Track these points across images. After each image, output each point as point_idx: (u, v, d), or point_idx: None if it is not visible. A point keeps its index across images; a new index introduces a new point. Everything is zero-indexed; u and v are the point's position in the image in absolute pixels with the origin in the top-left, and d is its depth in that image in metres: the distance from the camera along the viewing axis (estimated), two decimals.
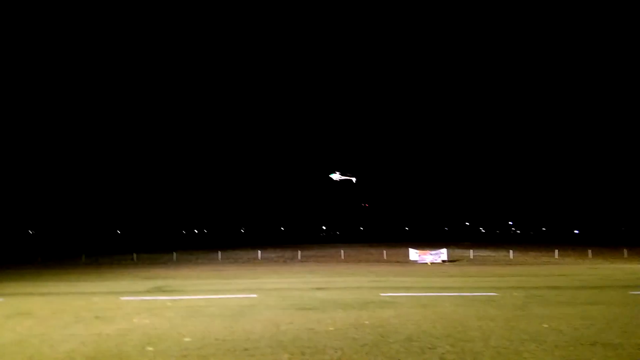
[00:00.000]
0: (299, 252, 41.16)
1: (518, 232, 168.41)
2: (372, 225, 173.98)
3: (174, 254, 39.82)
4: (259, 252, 42.42)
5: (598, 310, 10.71)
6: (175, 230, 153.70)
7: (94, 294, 15.03)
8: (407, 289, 15.91)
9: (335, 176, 32.14)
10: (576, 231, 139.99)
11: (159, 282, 19.16)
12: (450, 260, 33.37)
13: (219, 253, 40.99)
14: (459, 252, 43.27)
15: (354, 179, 32.01)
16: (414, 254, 33.76)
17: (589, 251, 39.79)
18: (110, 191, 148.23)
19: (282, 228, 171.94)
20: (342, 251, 43.72)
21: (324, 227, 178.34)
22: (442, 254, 33.09)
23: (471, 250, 43.53)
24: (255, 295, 14.13)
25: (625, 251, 39.19)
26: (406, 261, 33.48)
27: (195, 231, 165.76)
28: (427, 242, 75.51)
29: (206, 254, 43.51)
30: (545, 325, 8.99)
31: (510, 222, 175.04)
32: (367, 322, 9.43)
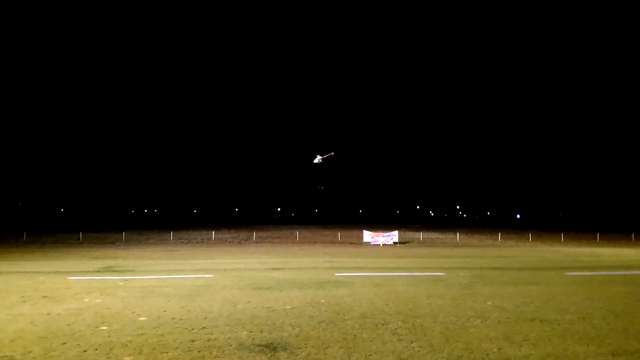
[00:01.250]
0: (254, 233, 41.07)
1: (465, 216, 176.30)
2: (327, 208, 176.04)
3: (123, 233, 38.57)
4: (213, 232, 41.93)
5: (537, 290, 11.54)
6: (124, 209, 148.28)
7: (39, 274, 14.39)
8: (361, 269, 16.39)
9: (317, 159, 32.07)
10: (518, 216, 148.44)
11: (109, 262, 18.60)
12: (402, 242, 34.53)
13: (171, 233, 40.15)
14: (409, 235, 44.78)
15: (332, 153, 32.14)
16: (367, 235, 34.62)
17: (530, 235, 42.39)
18: (53, 166, 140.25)
19: (236, 209, 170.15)
20: (297, 232, 44.07)
21: (279, 209, 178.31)
22: (394, 236, 34.18)
23: (421, 233, 45.22)
24: (210, 276, 14.07)
25: (562, 235, 42.09)
26: (360, 243, 34.30)
27: (145, 211, 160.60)
28: (380, 224, 77.49)
29: (157, 234, 42.45)
30: (489, 303, 9.61)
31: (457, 207, 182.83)
32: (323, 301, 9.69)
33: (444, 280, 13.32)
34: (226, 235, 42.82)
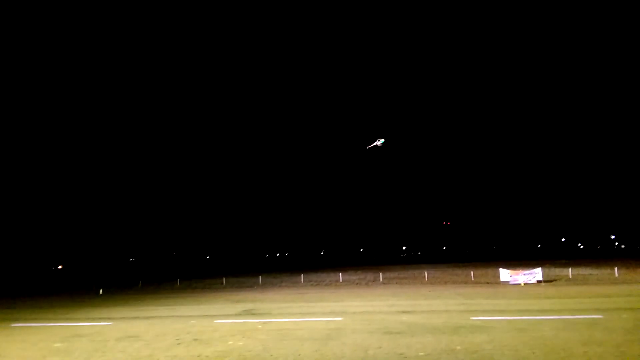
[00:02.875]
0: (381, 274, 40.60)
1: (623, 246, 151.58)
2: (455, 245, 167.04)
3: (260, 277, 41.26)
4: (340, 274, 42.52)
5: None
6: (259, 254, 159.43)
7: (191, 317, 16.07)
8: (500, 312, 15.06)
9: (378, 142, 31.88)
10: None
11: (248, 305, 19.98)
12: (546, 280, 30.93)
13: (302, 276, 41.74)
14: (555, 271, 39.97)
15: (380, 142, 31.73)
16: (505, 274, 31.79)
17: None
18: (199, 219, 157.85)
19: (361, 249, 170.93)
20: (425, 272, 42.40)
21: (404, 247, 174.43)
22: (537, 273, 30.78)
23: (569, 269, 40.04)
24: (340, 319, 14.22)
25: None
26: (496, 282, 31.60)
27: (277, 254, 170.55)
28: (519, 260, 70.76)
29: (289, 277, 44.51)
30: None
31: (613, 236, 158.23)
32: (459, 348, 9.10)
33: (601, 324, 11.55)
34: (353, 276, 43.06)
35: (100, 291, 34.06)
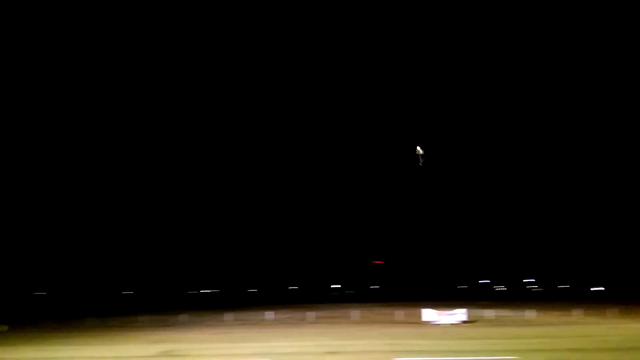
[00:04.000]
0: (310, 313, 40.03)
1: (540, 288, 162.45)
2: (386, 284, 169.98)
3: (181, 315, 38.99)
4: (269, 313, 41.36)
5: None
6: (182, 290, 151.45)
7: (102, 359, 14.64)
8: (423, 352, 15.28)
9: (420, 150, 32.28)
10: (599, 287, 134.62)
11: (168, 346, 18.65)
12: (469, 321, 32.13)
13: (228, 314, 40.04)
14: (476, 312, 41.68)
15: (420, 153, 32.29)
16: (429, 314, 32.59)
17: (613, 309, 38.16)
18: (115, 251, 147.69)
19: (290, 287, 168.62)
20: (354, 312, 42.46)
21: (334, 286, 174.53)
22: (460, 314, 31.88)
23: (489, 310, 42.04)
24: None
25: None
26: (421, 322, 32.28)
27: (202, 291, 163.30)
28: (443, 300, 73.23)
29: (214, 315, 42.53)
30: None
31: (530, 279, 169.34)
32: None
33: None
34: (282, 315, 42.06)
35: (6, 328, 30.27)
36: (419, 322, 32.51)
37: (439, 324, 30.69)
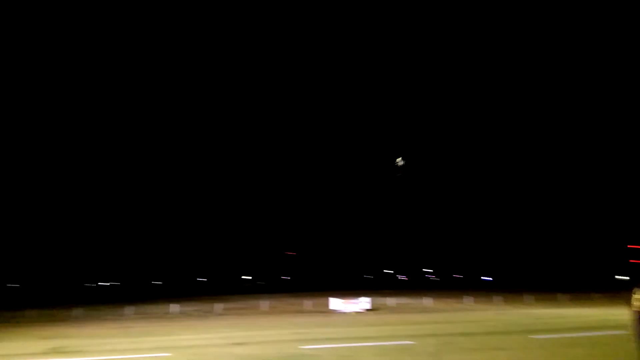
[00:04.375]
0: (218, 305, 39.31)
1: (437, 279, 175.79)
2: (297, 275, 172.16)
3: (76, 309, 36.08)
4: (174, 305, 39.83)
5: (503, 355, 11.39)
6: (77, 283, 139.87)
7: None
8: (328, 340, 15.78)
9: (400, 161, 32.10)
10: (488, 278, 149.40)
11: (58, 342, 17.17)
12: (371, 309, 33.78)
13: (129, 308, 37.84)
14: (380, 301, 43.99)
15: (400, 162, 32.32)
16: (335, 303, 33.72)
17: (498, 297, 42.53)
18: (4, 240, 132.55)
19: (199, 278, 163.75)
20: (264, 302, 42.51)
21: (246, 277, 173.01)
22: (364, 302, 33.44)
23: (391, 298, 44.60)
24: (168, 354, 13.18)
25: (529, 296, 42.44)
26: (328, 311, 33.29)
27: (102, 283, 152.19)
28: (349, 290, 76.07)
29: (113, 309, 39.93)
30: None
31: (428, 270, 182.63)
32: None
33: (411, 349, 12.97)
34: (188, 308, 40.76)
35: None
36: (326, 311, 33.50)
37: (344, 312, 31.89)
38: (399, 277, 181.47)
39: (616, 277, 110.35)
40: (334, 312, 32.65)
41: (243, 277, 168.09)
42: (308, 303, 40.08)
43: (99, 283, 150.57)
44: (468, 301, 40.99)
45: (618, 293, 41.39)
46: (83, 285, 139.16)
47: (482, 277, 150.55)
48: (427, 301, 40.51)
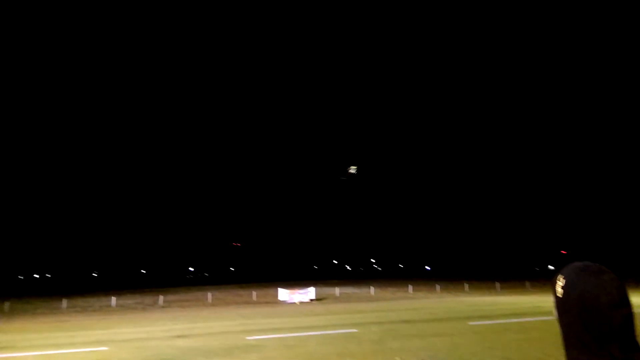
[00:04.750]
0: (161, 297, 38.18)
1: (380, 269, 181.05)
2: (243, 266, 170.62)
3: (6, 303, 33.72)
4: (114, 298, 38.25)
5: (442, 341, 11.95)
6: (8, 275, 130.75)
7: None
8: (274, 330, 15.82)
9: (352, 169, 31.51)
10: (428, 267, 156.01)
11: None
12: (318, 299, 34.20)
13: (64, 301, 35.88)
14: (326, 290, 44.62)
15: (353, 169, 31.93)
16: (282, 293, 33.82)
17: (437, 286, 44.42)
18: None
19: (142, 270, 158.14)
20: (209, 294, 41.81)
21: (191, 269, 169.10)
22: (310, 292, 33.78)
23: (337, 288, 45.34)
24: (105, 348, 12.66)
25: (466, 285, 44.67)
26: (275, 301, 33.33)
27: (35, 276, 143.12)
28: (296, 280, 76.50)
29: (48, 303, 37.74)
30: (397, 359, 9.71)
31: (372, 260, 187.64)
32: None
33: (356, 337, 13.29)
34: (129, 300, 39.29)
35: None
36: (273, 302, 33.53)
37: (291, 303, 32.06)
38: (345, 267, 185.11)
39: (549, 267, 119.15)
40: (280, 302, 32.74)
41: (188, 268, 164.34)
42: (254, 294, 39.90)
43: (33, 275, 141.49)
44: (409, 290, 42.56)
45: (549, 281, 44.57)
46: (15, 277, 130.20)
47: (424, 267, 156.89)
48: (370, 290, 41.59)
